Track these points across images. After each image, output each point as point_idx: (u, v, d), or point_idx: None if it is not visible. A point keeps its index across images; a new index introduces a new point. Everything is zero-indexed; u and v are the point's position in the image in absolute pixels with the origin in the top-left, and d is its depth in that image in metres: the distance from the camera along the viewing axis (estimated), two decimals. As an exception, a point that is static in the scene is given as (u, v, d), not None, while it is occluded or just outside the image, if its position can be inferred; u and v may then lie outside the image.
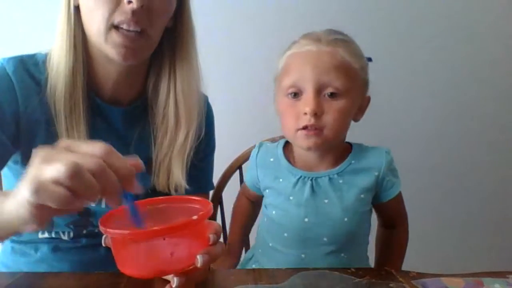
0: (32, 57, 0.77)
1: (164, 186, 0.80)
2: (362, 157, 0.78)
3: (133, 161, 0.47)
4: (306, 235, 0.75)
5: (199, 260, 0.47)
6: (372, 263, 0.88)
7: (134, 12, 0.67)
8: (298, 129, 0.73)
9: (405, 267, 0.92)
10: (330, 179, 0.76)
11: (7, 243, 0.81)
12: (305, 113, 0.71)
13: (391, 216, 0.85)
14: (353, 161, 0.78)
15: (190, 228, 0.48)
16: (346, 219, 0.74)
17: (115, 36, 0.68)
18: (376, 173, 0.76)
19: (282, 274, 0.65)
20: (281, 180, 0.79)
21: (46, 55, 0.76)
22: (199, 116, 0.82)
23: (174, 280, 0.50)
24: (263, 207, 0.85)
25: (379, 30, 1.46)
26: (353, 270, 0.67)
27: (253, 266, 0.83)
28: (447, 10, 1.48)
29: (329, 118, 0.71)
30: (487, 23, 1.50)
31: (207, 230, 0.51)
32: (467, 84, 1.53)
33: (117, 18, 0.67)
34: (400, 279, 0.64)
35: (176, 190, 0.80)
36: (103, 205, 0.78)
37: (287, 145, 0.83)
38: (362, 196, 0.76)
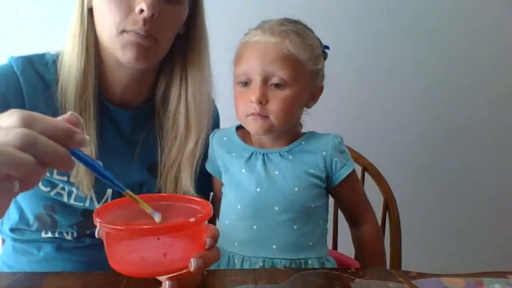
0: (41, 57, 0.77)
1: (171, 192, 0.80)
2: (312, 141, 0.82)
3: (66, 118, 0.42)
4: (258, 205, 0.78)
5: (193, 264, 0.46)
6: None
7: (145, 21, 0.67)
8: (247, 115, 0.77)
9: (405, 267, 0.92)
10: (280, 154, 0.80)
11: (9, 242, 0.82)
12: (252, 101, 0.75)
13: (352, 208, 0.85)
14: (303, 142, 0.81)
15: (187, 230, 0.46)
16: (296, 189, 0.77)
17: (126, 36, 0.69)
18: (324, 153, 0.79)
19: (282, 274, 0.65)
20: (234, 154, 0.82)
21: (56, 55, 0.76)
22: (209, 122, 0.83)
23: (166, 284, 0.48)
24: (222, 189, 0.86)
25: (377, 28, 1.46)
26: (353, 270, 0.67)
27: None
28: (442, 8, 1.48)
29: (274, 106, 0.75)
30: (484, 20, 1.50)
31: (204, 233, 0.49)
32: (467, 81, 1.53)
33: (129, 26, 0.68)
34: (400, 279, 0.64)
35: None
36: None
37: (243, 128, 0.85)
38: (311, 171, 0.78)
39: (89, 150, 0.73)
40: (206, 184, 0.87)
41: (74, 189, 0.75)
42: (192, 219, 0.45)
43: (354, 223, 0.87)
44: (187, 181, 0.79)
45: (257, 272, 0.67)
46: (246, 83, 0.77)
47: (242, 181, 0.80)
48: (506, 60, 1.53)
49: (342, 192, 0.82)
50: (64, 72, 0.73)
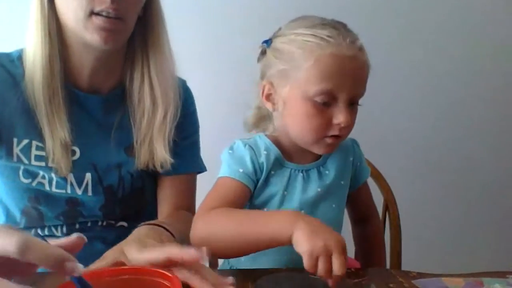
0: (8, 54, 0.79)
1: (146, 164, 0.81)
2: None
3: (66, 242, 0.45)
4: None
5: None
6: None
7: (113, 1, 0.68)
8: (325, 137, 0.70)
9: (405, 267, 0.92)
10: (318, 171, 0.78)
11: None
12: (338, 124, 0.68)
13: (363, 207, 0.86)
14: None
15: None
16: (334, 205, 0.76)
17: (95, 21, 0.70)
18: (351, 158, 0.80)
19: (282, 274, 0.64)
20: (272, 172, 0.75)
21: (21, 51, 0.78)
22: (176, 97, 0.84)
23: None
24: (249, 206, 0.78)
25: (376, 29, 1.46)
26: (353, 270, 0.67)
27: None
28: (443, 9, 1.48)
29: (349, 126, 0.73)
30: (484, 22, 1.50)
31: None
32: (468, 82, 1.53)
33: (96, 6, 0.69)
34: (400, 279, 0.63)
35: (162, 167, 0.81)
36: (89, 193, 0.79)
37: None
38: (342, 182, 0.78)
39: (62, 135, 0.74)
40: (184, 155, 0.87)
41: (53, 175, 0.77)
42: None
43: (359, 220, 0.87)
44: (162, 151, 0.81)
45: (257, 272, 0.66)
46: (325, 102, 0.68)
47: (283, 202, 0.75)
48: (508, 61, 1.53)
49: (360, 194, 0.83)
50: (29, 63, 0.74)
